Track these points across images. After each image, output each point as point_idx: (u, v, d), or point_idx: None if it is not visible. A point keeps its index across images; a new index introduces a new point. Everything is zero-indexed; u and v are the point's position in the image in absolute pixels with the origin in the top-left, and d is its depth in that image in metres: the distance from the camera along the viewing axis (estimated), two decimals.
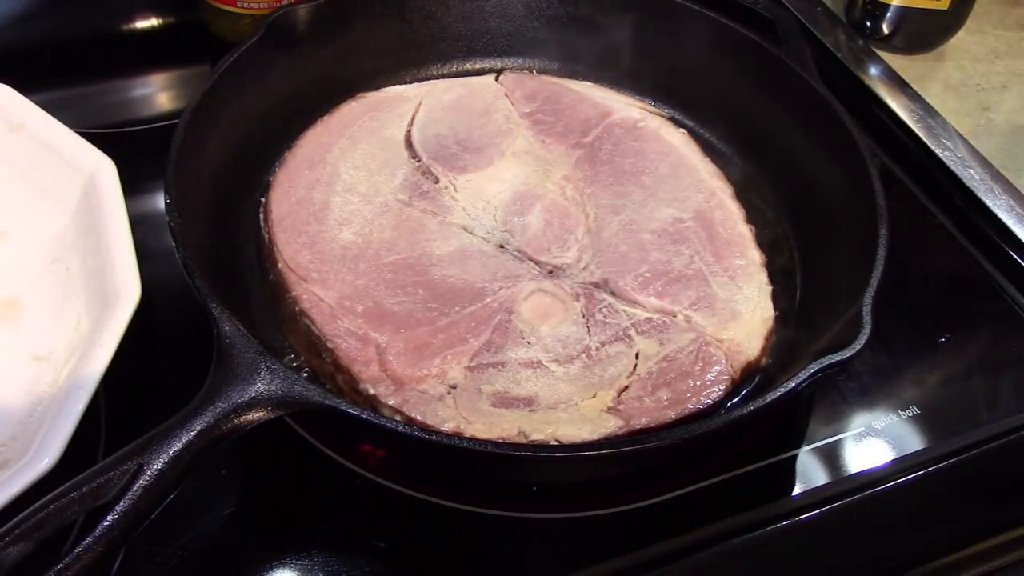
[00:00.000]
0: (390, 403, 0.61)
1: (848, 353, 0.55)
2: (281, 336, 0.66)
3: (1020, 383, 0.72)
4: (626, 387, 0.64)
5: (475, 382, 0.63)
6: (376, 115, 0.81)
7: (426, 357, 0.63)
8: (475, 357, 0.64)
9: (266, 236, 0.72)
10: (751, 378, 0.67)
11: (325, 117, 0.80)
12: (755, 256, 0.73)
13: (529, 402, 0.62)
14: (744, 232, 0.75)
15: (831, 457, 0.66)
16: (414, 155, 0.78)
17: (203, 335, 0.56)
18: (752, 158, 0.83)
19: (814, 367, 0.55)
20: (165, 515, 0.49)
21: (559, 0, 0.88)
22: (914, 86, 0.95)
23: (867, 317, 0.57)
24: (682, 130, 0.84)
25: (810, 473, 0.65)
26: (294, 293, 0.67)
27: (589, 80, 0.88)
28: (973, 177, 0.85)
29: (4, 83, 0.71)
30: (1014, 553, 0.64)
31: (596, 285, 0.70)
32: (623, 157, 0.79)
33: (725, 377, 0.65)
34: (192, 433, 0.49)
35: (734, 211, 0.76)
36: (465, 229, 0.73)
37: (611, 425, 0.61)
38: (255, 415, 0.51)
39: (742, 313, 0.69)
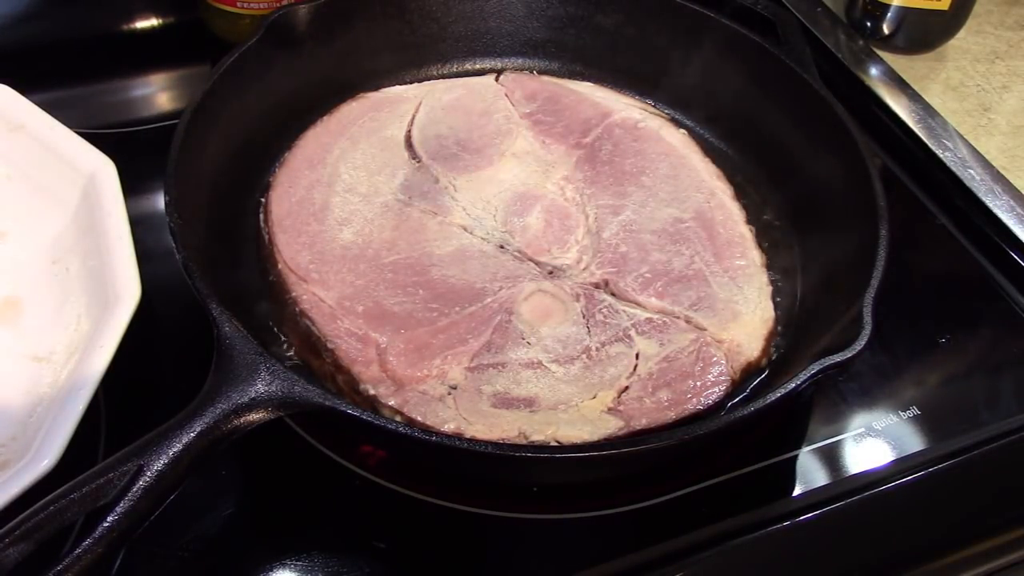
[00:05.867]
0: (390, 404, 0.61)
1: (849, 354, 0.55)
2: (281, 337, 0.66)
3: (1020, 383, 0.72)
4: (626, 388, 0.64)
5: (475, 383, 0.63)
6: (376, 115, 0.81)
7: (426, 358, 0.63)
8: (475, 358, 0.64)
9: (266, 236, 0.72)
10: (751, 379, 0.67)
11: (325, 117, 0.80)
12: (755, 256, 0.73)
13: (529, 403, 0.62)
14: (744, 232, 0.75)
15: (831, 458, 0.66)
16: (414, 155, 0.78)
17: (203, 335, 0.56)
18: (752, 158, 0.83)
19: (814, 368, 0.55)
20: (165, 515, 0.49)
21: (559, 0, 0.88)
22: (914, 86, 0.95)
23: (867, 317, 0.57)
24: (682, 130, 0.84)
25: (810, 474, 0.65)
26: (294, 293, 0.67)
27: (589, 80, 0.88)
28: (973, 177, 0.85)
29: (4, 83, 0.71)
30: (1014, 553, 0.64)
31: (596, 286, 0.70)
32: (623, 158, 0.79)
33: (725, 378, 0.65)
34: (192, 434, 0.49)
35: (734, 211, 0.76)
36: (465, 229, 0.73)
37: (611, 426, 0.61)
38: (255, 416, 0.51)
39: (742, 313, 0.69)
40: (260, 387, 0.51)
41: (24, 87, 0.71)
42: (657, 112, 0.86)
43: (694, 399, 0.63)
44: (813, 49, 0.84)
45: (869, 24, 1.00)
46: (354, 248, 0.70)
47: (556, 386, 0.63)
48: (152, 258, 0.66)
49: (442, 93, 0.84)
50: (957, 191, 0.85)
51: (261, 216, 0.73)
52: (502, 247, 0.72)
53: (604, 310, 0.68)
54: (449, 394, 0.62)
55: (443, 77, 0.88)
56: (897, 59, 1.00)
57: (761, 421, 0.66)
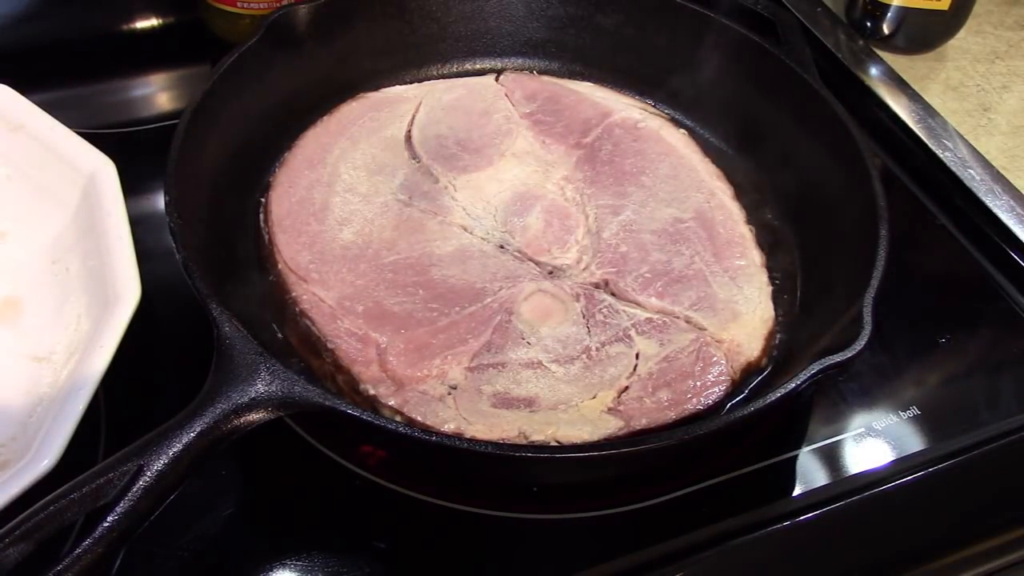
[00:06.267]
0: (390, 404, 0.61)
1: (849, 354, 0.55)
2: (281, 336, 0.66)
3: (1020, 383, 0.72)
4: (626, 388, 0.64)
5: (475, 383, 0.63)
6: (376, 115, 0.81)
7: (426, 358, 0.63)
8: (475, 358, 0.64)
9: (266, 236, 0.72)
10: (751, 379, 0.67)
11: (325, 117, 0.80)
12: (755, 256, 0.73)
13: (529, 403, 0.62)
14: (744, 232, 0.75)
15: (831, 458, 0.66)
16: (414, 155, 0.78)
17: (203, 335, 0.56)
18: (752, 158, 0.83)
19: (814, 368, 0.55)
20: (165, 515, 0.49)
21: (559, 0, 0.88)
22: (914, 86, 0.95)
23: (867, 318, 0.57)
24: (682, 130, 0.84)
25: (810, 474, 0.65)
26: (294, 293, 0.67)
27: (589, 80, 0.88)
28: (973, 177, 0.85)
29: (4, 83, 0.71)
30: (1014, 553, 0.64)
31: (596, 286, 0.70)
32: (623, 158, 0.79)
33: (725, 378, 0.64)
34: (192, 434, 0.49)
35: (734, 211, 0.76)
36: (465, 229, 0.73)
37: (611, 426, 0.61)
38: (255, 416, 0.51)
39: (742, 313, 0.69)
40: (260, 387, 0.51)
41: (24, 87, 0.71)
42: (657, 112, 0.86)
43: (694, 399, 0.63)
44: (813, 49, 0.84)
45: (869, 24, 1.00)
46: (354, 248, 0.70)
47: (556, 386, 0.63)
48: (152, 258, 0.66)
49: (442, 93, 0.84)
50: (957, 191, 0.85)
51: (261, 216, 0.73)
52: (502, 247, 0.72)
53: (604, 310, 0.68)
54: (449, 394, 0.62)
55: (443, 77, 0.88)
56: (897, 59, 1.00)
57: (761, 421, 0.66)
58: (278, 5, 0.89)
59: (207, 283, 0.57)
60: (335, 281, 0.68)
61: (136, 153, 0.79)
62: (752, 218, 0.77)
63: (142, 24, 0.98)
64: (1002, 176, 0.86)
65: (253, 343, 0.53)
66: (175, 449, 0.48)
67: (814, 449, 0.66)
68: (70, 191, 0.67)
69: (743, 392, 0.66)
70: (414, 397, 0.61)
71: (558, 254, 0.72)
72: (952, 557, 0.63)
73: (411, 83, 0.86)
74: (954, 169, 0.86)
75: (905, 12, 0.98)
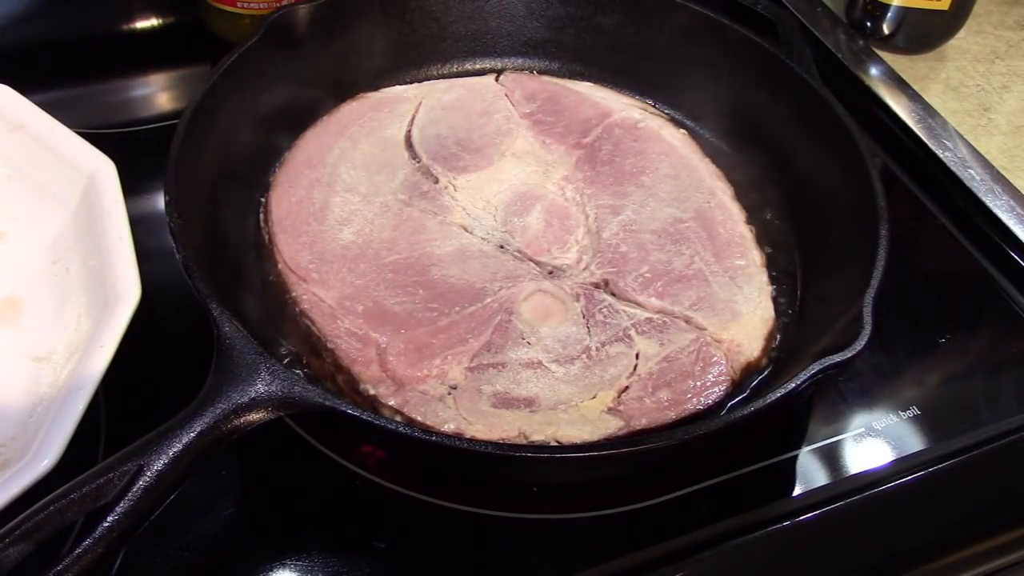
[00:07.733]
0: (390, 404, 0.61)
1: (849, 354, 0.55)
2: (281, 336, 0.66)
3: (1020, 383, 0.72)
4: (626, 387, 0.64)
5: (475, 383, 0.63)
6: (376, 115, 0.81)
7: (426, 357, 0.63)
8: (475, 357, 0.64)
9: (266, 236, 0.72)
10: (751, 378, 0.67)
11: (325, 117, 0.80)
12: (755, 256, 0.73)
13: (529, 403, 0.62)
14: (744, 232, 0.75)
15: (831, 458, 0.66)
16: (414, 155, 0.78)
17: (203, 335, 0.56)
18: (752, 158, 0.83)
19: (814, 368, 0.55)
20: (165, 515, 0.49)
21: (559, 0, 0.88)
22: (914, 86, 0.95)
23: (867, 318, 0.57)
24: (682, 130, 0.84)
25: (810, 474, 0.65)
26: (294, 293, 0.67)
27: (589, 80, 0.88)
28: (973, 177, 0.85)
29: (4, 83, 0.71)
30: (1014, 553, 0.64)
31: (596, 285, 0.70)
32: (623, 157, 0.79)
33: (725, 377, 0.64)
34: (192, 434, 0.49)
35: (734, 211, 0.76)
36: (465, 229, 0.73)
37: (611, 426, 0.61)
38: (255, 416, 0.51)
39: (742, 313, 0.69)
40: (260, 387, 0.51)
41: (24, 87, 0.71)
42: (657, 112, 0.86)
43: (694, 399, 0.63)
44: (813, 49, 0.84)
45: (869, 24, 1.00)
46: (354, 248, 0.70)
47: (556, 386, 0.63)
48: (152, 258, 0.66)
49: (442, 93, 0.84)
50: (957, 191, 0.85)
51: (261, 216, 0.73)
52: (502, 247, 0.72)
53: (604, 310, 0.68)
54: (449, 394, 0.62)
55: (443, 77, 0.88)
56: (897, 59, 1.00)
57: (761, 421, 0.66)
58: (278, 5, 0.89)
59: (207, 283, 0.57)
60: (335, 281, 0.68)
61: (136, 153, 0.79)
62: (752, 218, 0.77)
63: (142, 24, 0.98)
64: (1002, 176, 0.86)
65: (253, 343, 0.53)
66: (175, 449, 0.48)
67: (814, 449, 0.66)
68: (70, 191, 0.67)
69: (743, 392, 0.66)
70: (414, 397, 0.61)
71: (558, 254, 0.72)
72: (952, 557, 0.63)
73: (411, 83, 0.86)
74: (954, 169, 0.86)
75: (905, 12, 0.98)
